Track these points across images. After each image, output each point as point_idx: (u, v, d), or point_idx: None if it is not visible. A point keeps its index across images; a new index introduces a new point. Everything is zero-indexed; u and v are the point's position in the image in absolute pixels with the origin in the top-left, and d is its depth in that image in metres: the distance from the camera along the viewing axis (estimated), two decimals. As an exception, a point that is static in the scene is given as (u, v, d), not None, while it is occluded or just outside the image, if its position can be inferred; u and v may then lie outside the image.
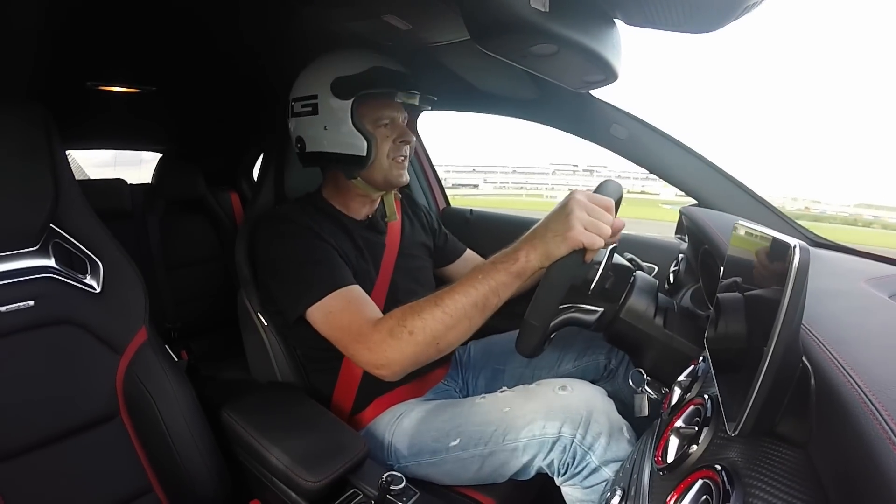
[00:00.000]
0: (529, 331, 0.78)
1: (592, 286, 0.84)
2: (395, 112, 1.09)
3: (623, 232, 0.88)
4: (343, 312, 0.95)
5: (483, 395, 1.05)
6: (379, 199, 1.19)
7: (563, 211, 0.78)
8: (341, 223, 1.11)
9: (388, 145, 1.07)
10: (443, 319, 0.84)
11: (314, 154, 1.09)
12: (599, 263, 0.83)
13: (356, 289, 0.99)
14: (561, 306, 0.83)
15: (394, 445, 1.03)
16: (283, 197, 1.27)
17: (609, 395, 1.00)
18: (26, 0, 0.92)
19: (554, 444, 0.89)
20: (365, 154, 1.04)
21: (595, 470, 0.87)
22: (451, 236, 1.41)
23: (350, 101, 1.02)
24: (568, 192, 0.81)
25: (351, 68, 1.03)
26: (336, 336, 0.95)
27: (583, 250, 0.76)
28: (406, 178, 1.12)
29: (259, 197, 1.24)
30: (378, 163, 1.07)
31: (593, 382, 1.19)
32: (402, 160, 1.11)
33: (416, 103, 1.09)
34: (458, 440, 0.96)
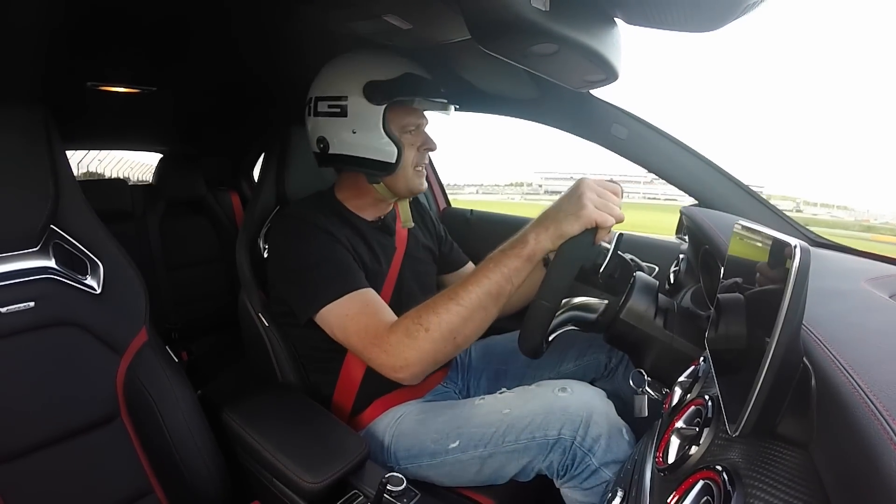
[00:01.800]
0: (539, 313, 0.77)
1: (602, 269, 0.85)
2: (420, 119, 1.10)
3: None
4: (360, 315, 0.94)
5: (482, 396, 1.05)
6: (392, 203, 1.19)
7: (575, 193, 0.81)
8: (354, 225, 1.11)
9: (412, 153, 1.07)
10: (458, 312, 0.84)
11: (338, 156, 1.08)
12: (609, 247, 0.85)
13: (371, 292, 0.99)
14: (564, 300, 0.83)
15: (393, 447, 1.03)
16: (284, 197, 1.27)
17: (609, 394, 1.00)
18: (27, 0, 0.92)
19: (553, 445, 0.89)
20: (394, 161, 1.04)
21: (595, 472, 0.87)
22: (455, 246, 1.41)
23: (383, 107, 1.02)
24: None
25: (384, 73, 1.02)
26: (352, 340, 0.94)
27: (594, 230, 0.78)
28: (424, 185, 1.13)
29: (259, 197, 1.24)
30: (403, 171, 1.07)
31: (594, 381, 1.20)
32: (424, 167, 1.12)
33: (446, 112, 1.10)
34: (457, 442, 0.96)
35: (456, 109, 1.17)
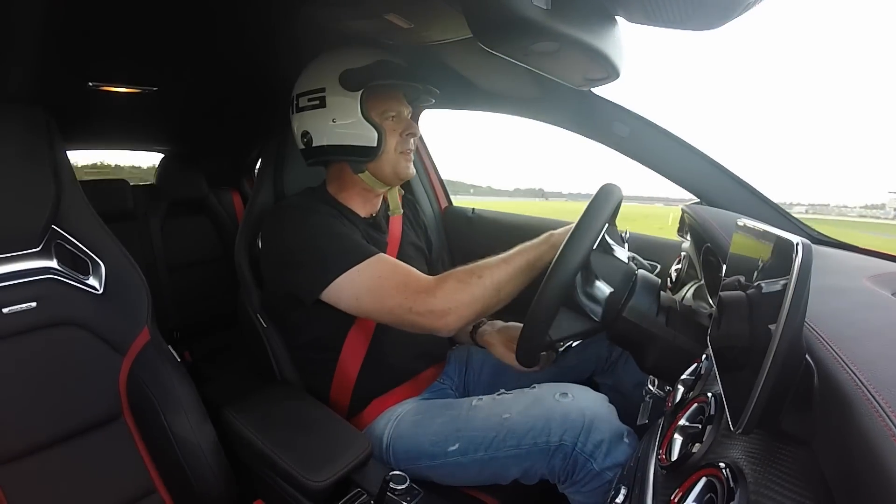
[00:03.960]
0: (566, 259, 0.79)
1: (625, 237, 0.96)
2: (401, 106, 1.11)
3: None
4: (395, 274, 0.97)
5: (480, 397, 1.04)
6: (381, 198, 1.20)
7: None
8: (349, 218, 1.11)
9: (395, 138, 1.09)
10: (507, 270, 0.96)
11: (321, 148, 1.09)
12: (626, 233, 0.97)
13: (391, 257, 1.02)
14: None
15: (392, 448, 1.03)
16: (283, 196, 1.27)
17: (609, 388, 0.99)
18: (27, 0, 0.92)
19: (554, 451, 0.88)
20: (375, 145, 1.05)
21: (596, 475, 0.86)
22: (442, 258, 1.41)
23: (359, 93, 1.03)
24: None
25: (358, 61, 1.04)
26: (390, 297, 0.95)
27: None
28: (412, 170, 1.14)
29: (258, 196, 1.24)
30: (386, 155, 1.08)
31: (594, 374, 1.20)
32: (410, 153, 1.12)
33: (420, 95, 1.11)
34: (456, 445, 0.96)
35: (435, 100, 1.19)
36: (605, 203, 0.85)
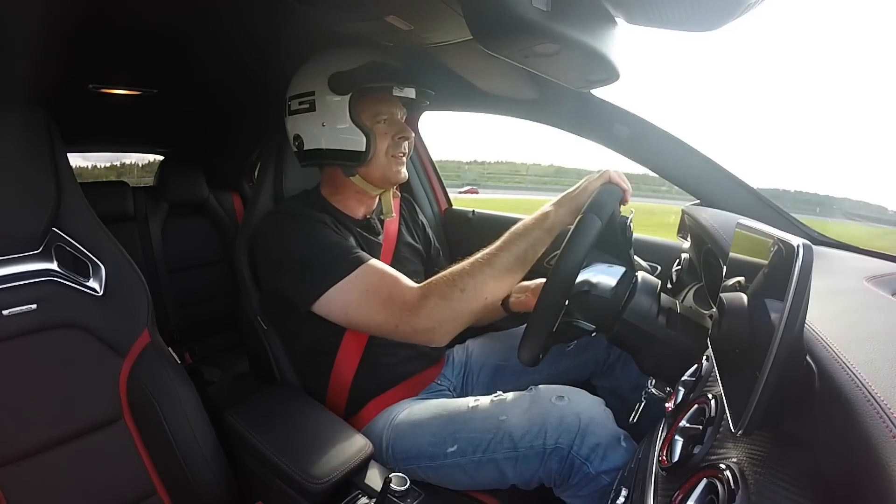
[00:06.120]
0: (572, 251, 0.78)
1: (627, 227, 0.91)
2: (393, 108, 1.10)
3: None
4: (381, 287, 0.96)
5: (477, 398, 1.03)
6: (376, 198, 1.19)
7: (587, 179, 0.94)
8: (341, 221, 1.11)
9: (386, 142, 1.07)
10: (492, 275, 0.92)
11: (312, 151, 1.09)
12: (628, 215, 0.92)
13: (379, 262, 1.00)
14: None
15: (391, 449, 1.02)
16: (282, 198, 1.27)
17: (607, 390, 0.97)
18: (28, 3, 0.92)
19: (550, 454, 0.88)
20: (364, 149, 1.04)
21: (592, 479, 0.86)
22: (441, 254, 1.40)
23: (348, 97, 1.03)
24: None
25: (348, 63, 1.03)
26: (376, 313, 0.95)
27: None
28: (405, 174, 1.13)
29: (258, 198, 1.24)
30: (376, 159, 1.07)
31: (592, 377, 1.20)
32: (402, 156, 1.11)
33: (413, 97, 1.09)
34: (455, 447, 0.96)
35: (429, 102, 1.16)
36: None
